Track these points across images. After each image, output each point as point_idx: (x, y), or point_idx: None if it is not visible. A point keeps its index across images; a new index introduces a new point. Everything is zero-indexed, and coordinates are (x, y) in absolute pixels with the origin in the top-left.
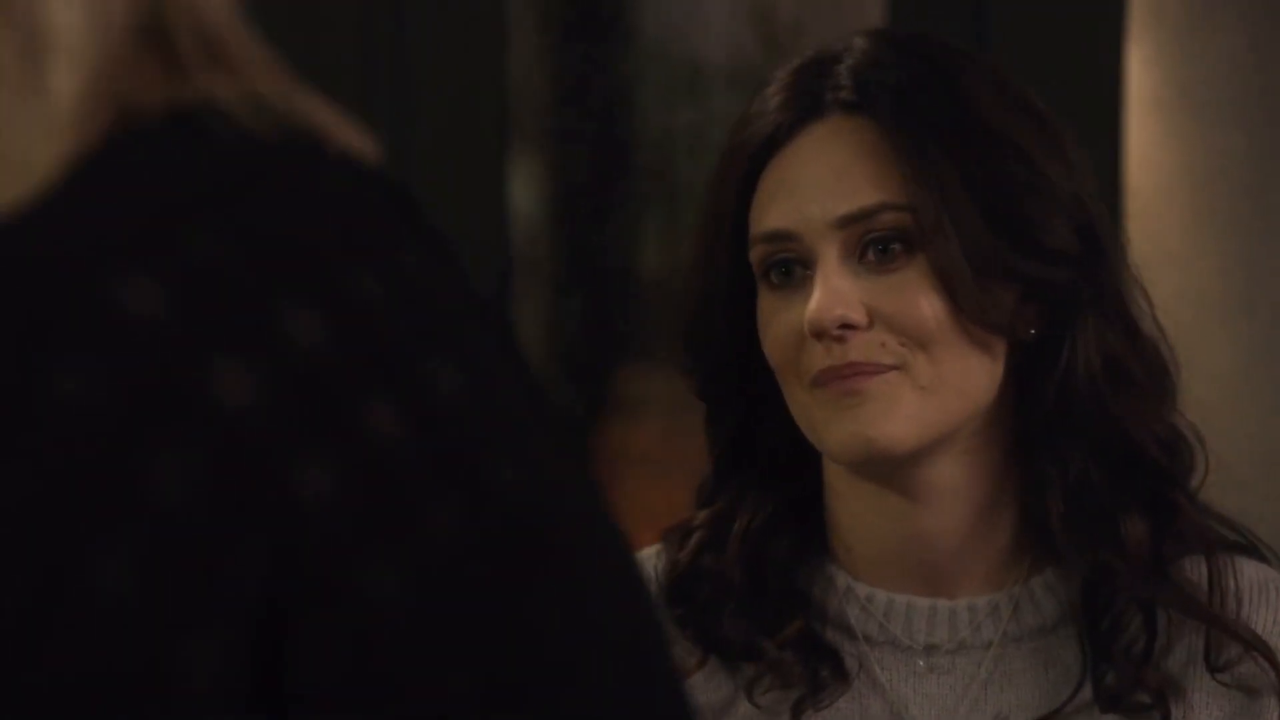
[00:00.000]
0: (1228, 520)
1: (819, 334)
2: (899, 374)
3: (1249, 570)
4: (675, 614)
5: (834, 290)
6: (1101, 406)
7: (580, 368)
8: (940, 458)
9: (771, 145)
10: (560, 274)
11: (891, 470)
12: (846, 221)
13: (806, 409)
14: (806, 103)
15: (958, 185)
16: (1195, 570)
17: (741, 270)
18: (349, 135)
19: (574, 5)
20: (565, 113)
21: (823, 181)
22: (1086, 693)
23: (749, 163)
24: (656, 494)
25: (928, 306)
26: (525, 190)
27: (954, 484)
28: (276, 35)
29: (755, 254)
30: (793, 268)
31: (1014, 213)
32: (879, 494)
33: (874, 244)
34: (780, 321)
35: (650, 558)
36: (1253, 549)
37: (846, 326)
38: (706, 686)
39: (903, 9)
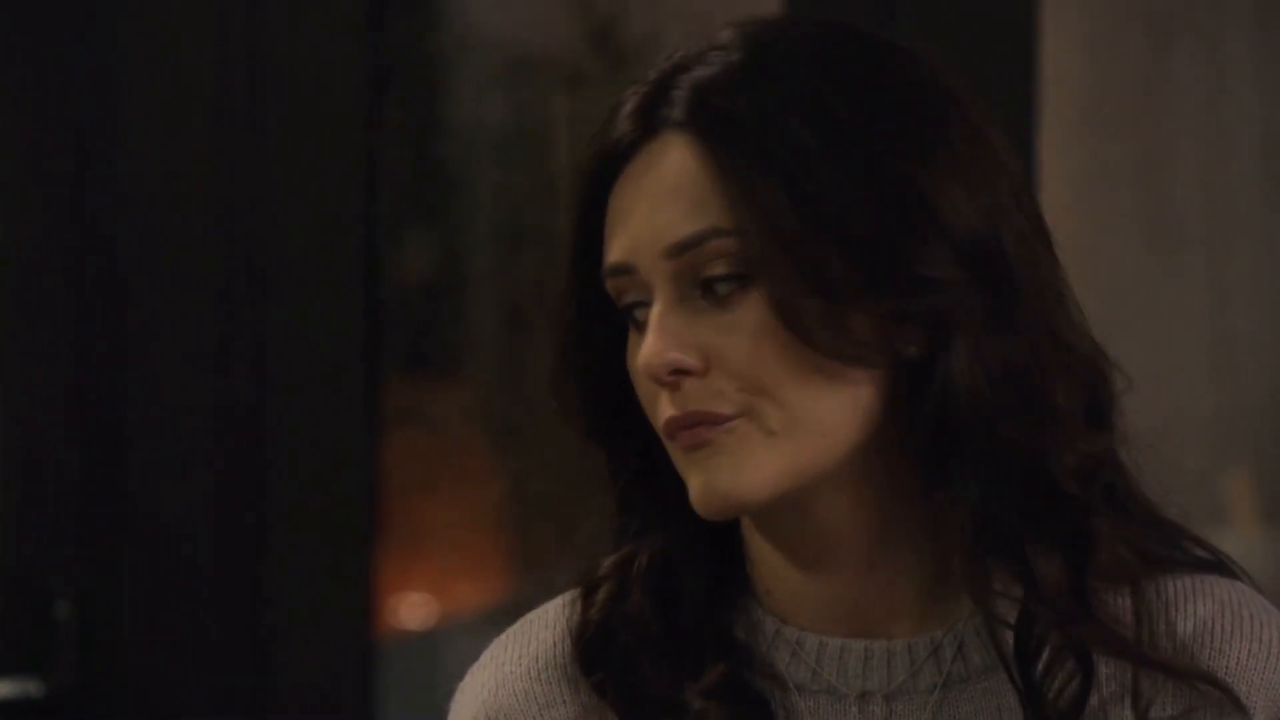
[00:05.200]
0: (1194, 536)
1: (655, 381)
2: (745, 421)
3: (1219, 593)
4: (593, 680)
5: (665, 332)
6: (993, 434)
7: (354, 380)
8: (823, 497)
9: (615, 165)
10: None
11: (770, 514)
12: (675, 251)
13: (672, 457)
14: (646, 118)
15: (791, 206)
16: (1122, 604)
17: (607, 302)
18: None
19: None
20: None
21: (653, 207)
22: None
23: (594, 187)
24: (429, 510)
25: (768, 348)
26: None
27: (847, 522)
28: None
29: (609, 287)
30: (638, 305)
31: (873, 237)
32: (778, 534)
33: (709, 278)
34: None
35: (562, 609)
36: (1221, 566)
37: (680, 372)
38: None
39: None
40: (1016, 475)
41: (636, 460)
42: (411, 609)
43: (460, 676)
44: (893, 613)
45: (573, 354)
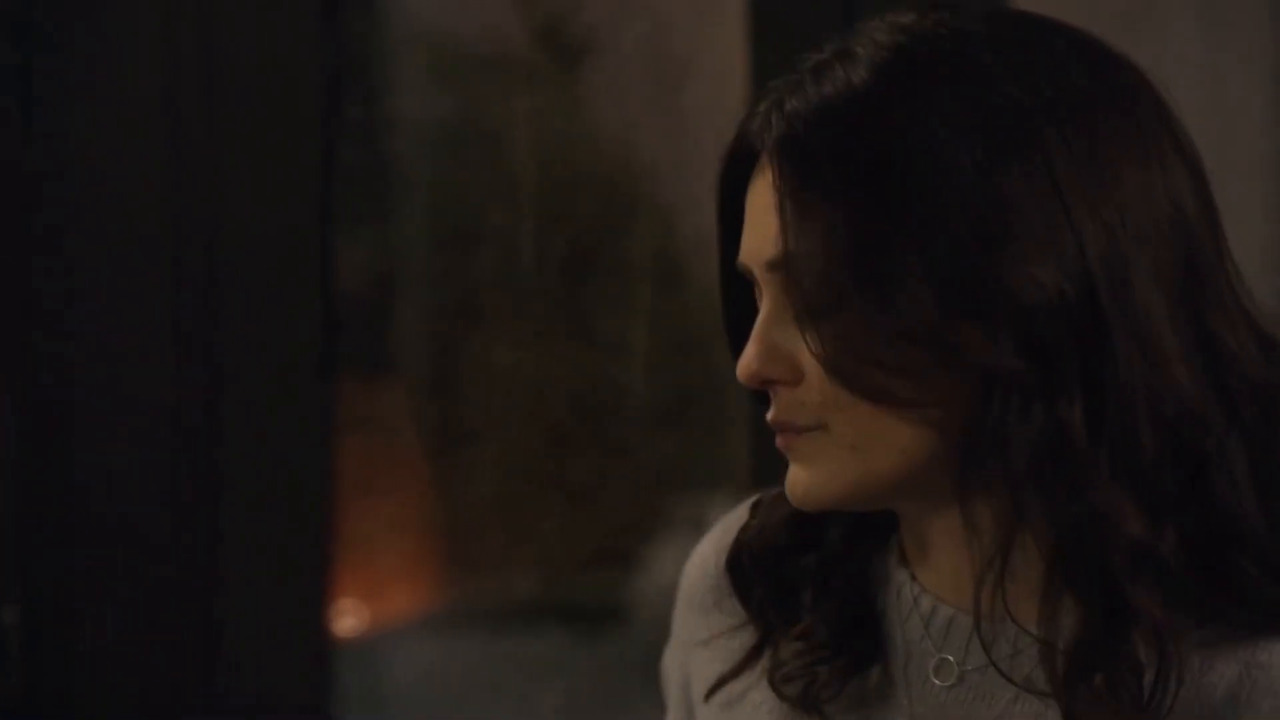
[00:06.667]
0: None
1: (747, 386)
2: (822, 434)
3: None
4: (732, 579)
5: (760, 343)
6: (1030, 500)
7: (309, 381)
8: (899, 501)
9: (748, 160)
10: (270, 279)
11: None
12: (770, 268)
13: None
14: (762, 126)
15: (839, 259)
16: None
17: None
18: None
19: None
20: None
21: (758, 220)
22: None
23: (733, 174)
24: (368, 515)
25: None
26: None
27: (928, 520)
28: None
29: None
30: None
31: (917, 314)
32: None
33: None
34: None
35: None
36: None
37: (770, 381)
38: (733, 649)
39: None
40: (1059, 537)
41: None
42: (354, 615)
43: (406, 682)
44: (1009, 599)
45: (728, 318)
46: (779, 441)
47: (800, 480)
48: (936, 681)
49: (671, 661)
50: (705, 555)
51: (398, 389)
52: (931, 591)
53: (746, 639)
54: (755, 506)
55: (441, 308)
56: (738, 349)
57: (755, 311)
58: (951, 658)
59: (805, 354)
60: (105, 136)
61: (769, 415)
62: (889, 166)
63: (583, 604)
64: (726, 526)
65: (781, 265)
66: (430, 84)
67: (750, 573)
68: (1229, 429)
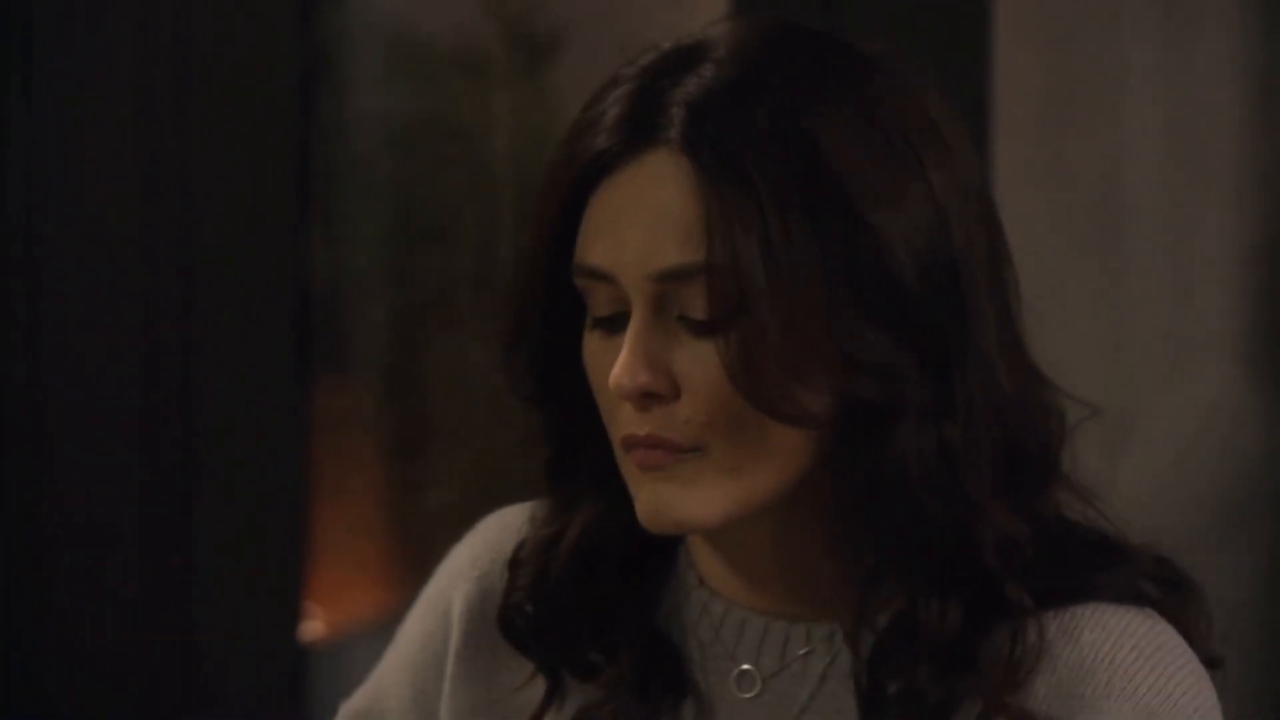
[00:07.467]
0: (1141, 560)
1: (623, 398)
2: (701, 458)
3: (1111, 623)
4: (510, 640)
5: (639, 354)
6: (917, 508)
7: (284, 382)
8: (763, 518)
9: (601, 168)
10: (244, 279)
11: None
12: (663, 277)
13: (621, 464)
14: (637, 130)
15: (765, 256)
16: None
17: (565, 289)
18: None
19: None
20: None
21: (644, 226)
22: None
23: (577, 183)
24: (349, 516)
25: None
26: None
27: (769, 534)
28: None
29: (577, 281)
30: (617, 313)
31: (827, 305)
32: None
33: (685, 312)
34: (600, 368)
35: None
36: (1148, 597)
37: (650, 395)
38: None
39: None
40: (933, 541)
41: (573, 427)
42: (327, 616)
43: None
44: (803, 599)
45: (531, 328)
46: (646, 458)
47: (670, 504)
48: (740, 695)
49: (433, 625)
50: (474, 605)
51: (371, 389)
52: (724, 595)
53: (540, 685)
54: (514, 565)
55: (414, 306)
56: (535, 361)
57: (562, 321)
58: (750, 666)
59: (684, 367)
60: (78, 134)
61: (638, 430)
62: (808, 164)
63: None
64: (489, 583)
65: (699, 272)
66: (403, 81)
67: (527, 632)
68: (1034, 427)
